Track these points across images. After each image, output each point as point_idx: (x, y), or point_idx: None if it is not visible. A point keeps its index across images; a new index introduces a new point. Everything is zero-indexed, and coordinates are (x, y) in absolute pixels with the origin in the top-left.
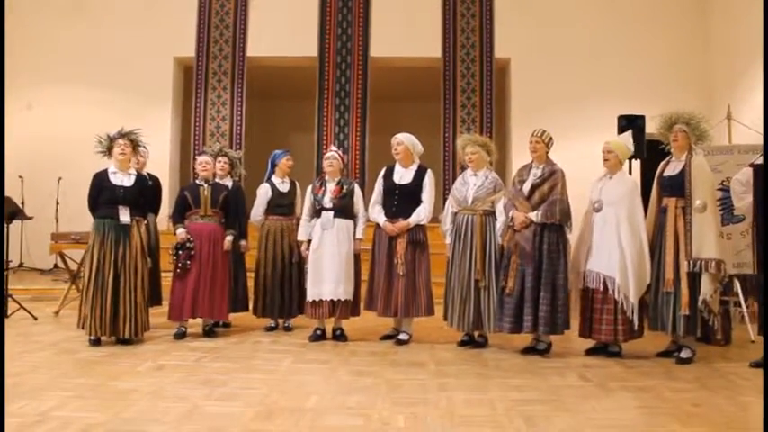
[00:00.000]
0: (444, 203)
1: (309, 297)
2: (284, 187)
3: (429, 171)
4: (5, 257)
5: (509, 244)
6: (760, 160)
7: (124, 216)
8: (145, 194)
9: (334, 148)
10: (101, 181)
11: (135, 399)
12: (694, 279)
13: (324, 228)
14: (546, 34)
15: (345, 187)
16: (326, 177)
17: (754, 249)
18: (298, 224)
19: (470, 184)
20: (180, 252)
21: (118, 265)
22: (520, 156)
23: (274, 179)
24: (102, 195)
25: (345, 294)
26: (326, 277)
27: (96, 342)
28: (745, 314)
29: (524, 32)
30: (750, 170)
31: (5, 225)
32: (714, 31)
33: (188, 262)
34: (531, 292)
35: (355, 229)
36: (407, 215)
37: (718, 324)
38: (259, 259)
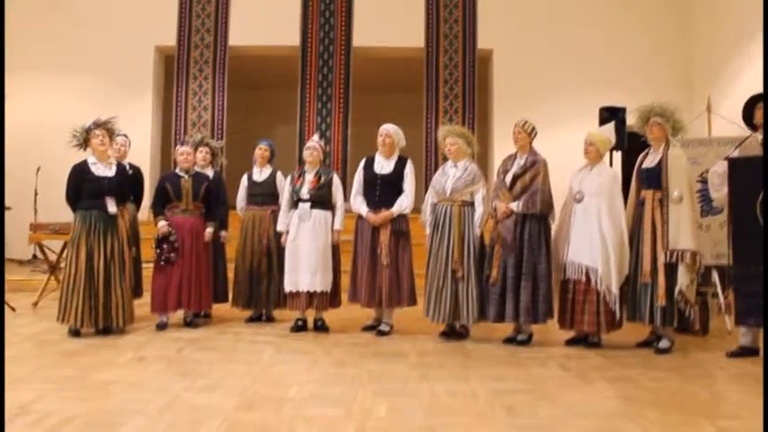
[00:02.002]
0: (425, 194)
1: (287, 288)
2: (259, 176)
3: (409, 161)
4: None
5: (492, 234)
6: (735, 153)
7: (112, 206)
8: (126, 184)
9: (315, 137)
10: (81, 173)
11: (116, 390)
12: (671, 270)
13: (301, 219)
14: (529, 25)
15: (323, 178)
16: (306, 167)
17: (729, 241)
18: (272, 214)
19: (449, 174)
20: (164, 246)
21: (107, 256)
22: (502, 146)
23: (254, 168)
24: (86, 187)
25: (322, 286)
26: (303, 268)
27: (76, 333)
28: (723, 305)
29: (507, 23)
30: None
31: None
32: (695, 25)
33: (172, 255)
34: (512, 282)
35: (333, 219)
36: (390, 205)
37: (695, 315)
38: (237, 249)
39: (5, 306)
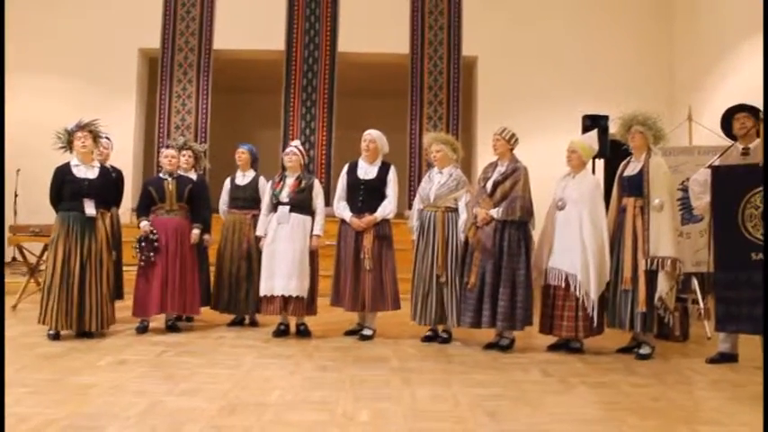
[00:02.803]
0: (409, 200)
1: (262, 292)
2: (242, 180)
3: (392, 167)
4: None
5: (472, 240)
6: (717, 162)
7: (90, 209)
8: (109, 186)
9: (295, 142)
10: (63, 174)
11: (96, 394)
12: (651, 277)
13: (279, 222)
14: (513, 33)
15: (304, 182)
16: (287, 172)
17: (710, 248)
18: (253, 218)
19: (434, 181)
20: (143, 244)
21: (84, 258)
22: (485, 153)
23: (237, 172)
24: (66, 188)
25: (297, 290)
26: (278, 272)
27: (56, 336)
28: (703, 311)
29: (492, 31)
30: (708, 171)
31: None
32: (677, 35)
33: (152, 255)
34: (490, 288)
35: (313, 224)
36: (373, 210)
37: (675, 321)
38: (218, 253)
39: None
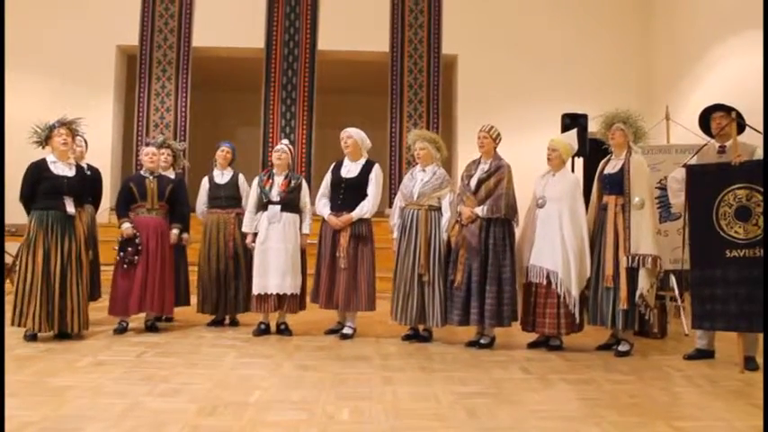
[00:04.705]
0: (390, 198)
1: (255, 290)
2: (221, 179)
3: (376, 165)
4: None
5: (457, 238)
6: (693, 160)
7: (70, 207)
8: (85, 185)
9: (285, 141)
10: (39, 171)
11: (73, 396)
12: (632, 274)
13: (270, 221)
14: (493, 32)
15: (294, 181)
16: (274, 170)
17: (684, 246)
18: (237, 217)
19: (417, 179)
20: (128, 248)
21: (65, 258)
22: (465, 151)
23: (215, 171)
24: (43, 186)
25: (291, 288)
26: (272, 271)
27: (33, 338)
28: (681, 308)
29: (472, 29)
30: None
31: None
32: (655, 36)
33: (135, 258)
34: (477, 286)
35: (302, 223)
36: (352, 208)
37: (655, 318)
38: (200, 253)
39: None
